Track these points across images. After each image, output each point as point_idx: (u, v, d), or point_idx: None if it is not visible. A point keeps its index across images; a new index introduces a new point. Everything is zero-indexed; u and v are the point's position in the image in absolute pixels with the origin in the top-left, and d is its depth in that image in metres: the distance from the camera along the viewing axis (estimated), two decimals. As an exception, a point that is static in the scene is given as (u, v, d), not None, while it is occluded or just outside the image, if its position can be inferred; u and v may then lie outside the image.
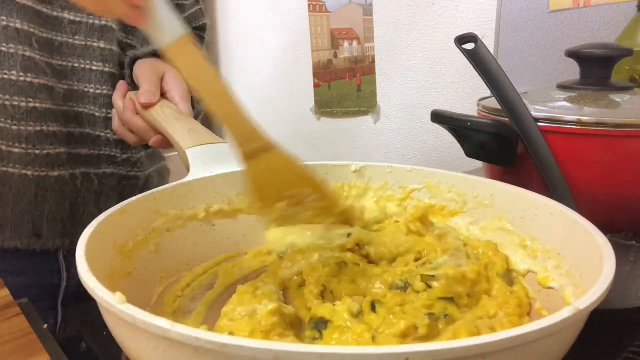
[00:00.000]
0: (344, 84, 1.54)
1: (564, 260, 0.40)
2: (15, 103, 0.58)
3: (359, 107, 1.53)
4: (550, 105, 0.57)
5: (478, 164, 0.64)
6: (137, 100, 0.60)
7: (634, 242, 0.46)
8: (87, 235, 0.36)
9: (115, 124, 0.63)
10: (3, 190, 0.60)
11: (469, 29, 1.19)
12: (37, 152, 0.59)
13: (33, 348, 0.39)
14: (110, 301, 0.28)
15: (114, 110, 0.64)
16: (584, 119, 0.52)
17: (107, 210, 0.40)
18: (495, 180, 0.49)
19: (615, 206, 0.53)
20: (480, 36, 0.54)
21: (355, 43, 1.47)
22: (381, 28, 1.39)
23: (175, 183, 0.48)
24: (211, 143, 0.54)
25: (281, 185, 0.43)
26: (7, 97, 0.57)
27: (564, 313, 0.26)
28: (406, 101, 1.38)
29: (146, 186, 0.75)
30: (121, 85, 0.65)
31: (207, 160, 0.51)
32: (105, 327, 0.32)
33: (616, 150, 0.52)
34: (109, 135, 0.68)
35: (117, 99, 0.62)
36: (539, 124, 0.53)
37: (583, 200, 0.50)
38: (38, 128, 0.59)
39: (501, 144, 0.55)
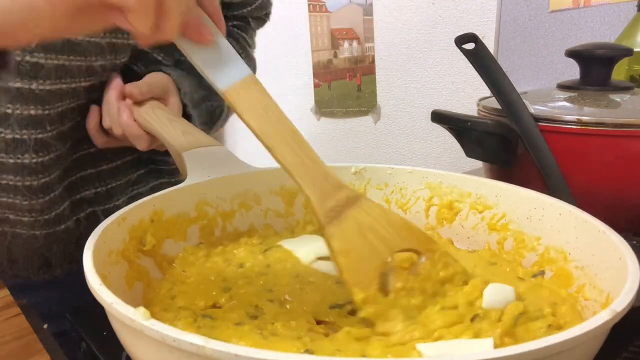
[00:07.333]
0: (344, 84, 1.54)
1: (575, 260, 0.40)
2: (28, 183, 0.57)
3: (359, 107, 1.53)
4: (550, 105, 0.57)
5: (478, 164, 0.64)
6: (125, 91, 0.55)
7: (634, 242, 0.46)
8: (91, 247, 0.34)
9: (106, 122, 0.57)
10: (13, 241, 0.61)
11: (469, 29, 1.19)
12: (45, 217, 0.59)
13: (33, 348, 0.39)
14: (133, 317, 0.26)
15: (97, 108, 0.58)
16: (584, 118, 0.52)
17: (107, 219, 0.39)
18: (498, 181, 0.49)
19: (615, 206, 0.53)
20: (480, 36, 0.54)
21: (355, 43, 1.47)
22: (381, 28, 1.39)
23: (173, 188, 0.48)
24: (207, 145, 0.53)
25: (380, 248, 0.34)
26: (19, 177, 0.56)
27: (603, 315, 0.26)
28: (406, 101, 1.38)
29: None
30: (116, 82, 0.58)
31: (205, 164, 0.51)
32: (105, 327, 0.31)
33: (616, 150, 0.52)
34: (112, 165, 0.65)
35: (113, 97, 0.56)
36: (539, 123, 0.53)
37: (583, 200, 0.50)
38: (47, 198, 0.58)
39: (501, 144, 0.55)
